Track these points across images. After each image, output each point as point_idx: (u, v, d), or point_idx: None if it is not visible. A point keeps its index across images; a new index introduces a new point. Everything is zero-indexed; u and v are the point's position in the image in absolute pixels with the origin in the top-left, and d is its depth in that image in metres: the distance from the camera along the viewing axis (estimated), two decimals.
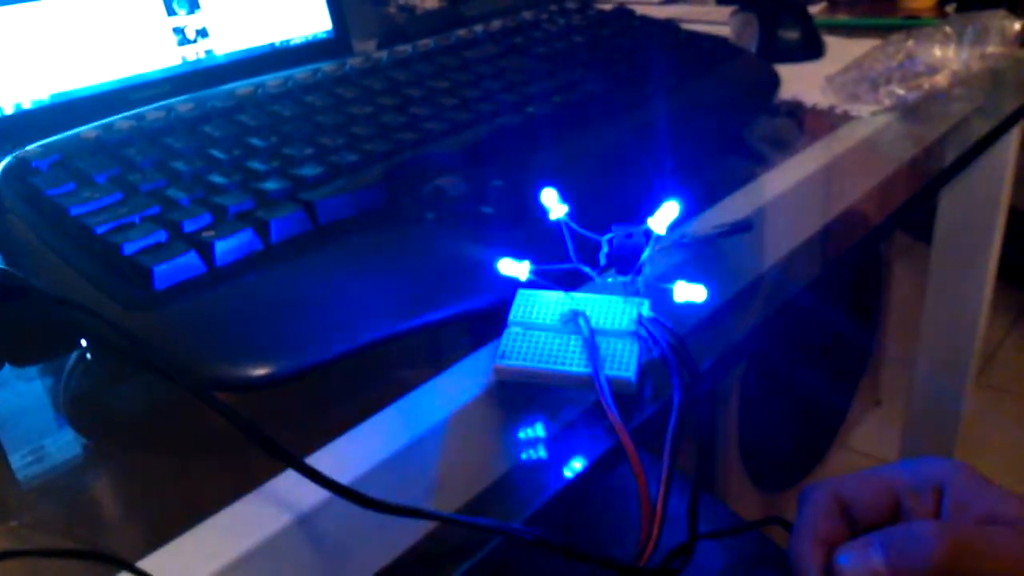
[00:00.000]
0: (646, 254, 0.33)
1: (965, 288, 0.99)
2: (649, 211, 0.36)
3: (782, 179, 0.53)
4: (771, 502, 1.25)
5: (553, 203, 0.35)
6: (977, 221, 0.94)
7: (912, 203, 0.54)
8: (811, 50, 0.77)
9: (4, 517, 0.32)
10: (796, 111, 0.66)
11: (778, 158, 0.57)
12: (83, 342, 0.42)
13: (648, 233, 0.34)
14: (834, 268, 0.49)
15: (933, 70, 0.62)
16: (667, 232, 0.33)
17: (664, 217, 0.33)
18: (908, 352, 1.16)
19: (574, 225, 0.34)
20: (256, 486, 0.31)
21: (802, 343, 1.18)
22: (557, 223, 0.36)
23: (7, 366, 0.42)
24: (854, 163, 0.57)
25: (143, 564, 0.26)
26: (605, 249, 0.34)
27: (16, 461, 0.35)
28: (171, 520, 0.30)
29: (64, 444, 0.36)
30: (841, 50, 0.78)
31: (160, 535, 0.28)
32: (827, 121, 0.63)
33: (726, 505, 0.54)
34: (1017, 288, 1.78)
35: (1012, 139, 0.88)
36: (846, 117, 0.62)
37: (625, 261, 0.34)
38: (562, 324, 0.34)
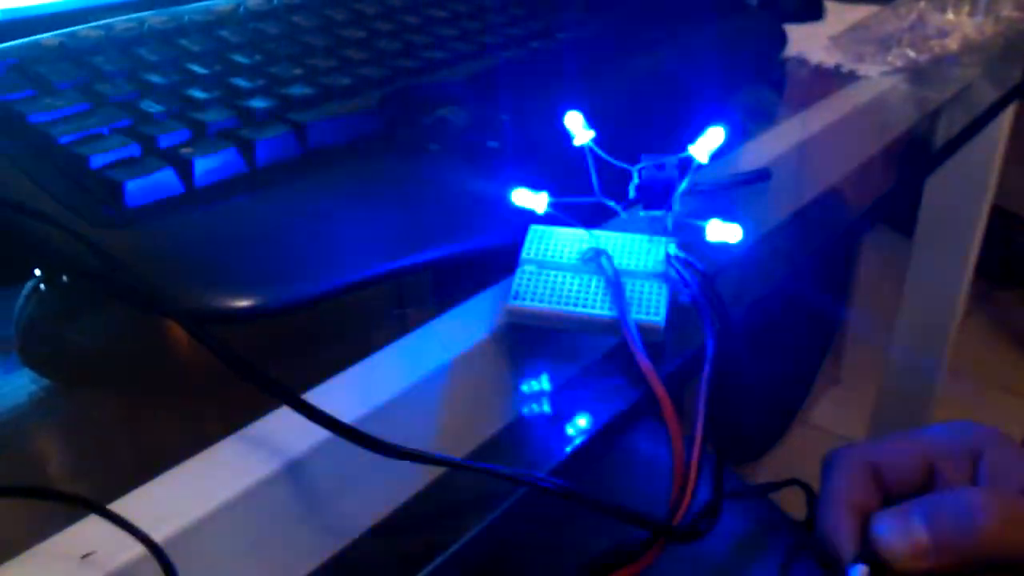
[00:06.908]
0: (683, 185, 0.30)
1: (945, 273, 0.99)
2: (664, 152, 0.33)
3: (795, 132, 0.51)
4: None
5: (578, 128, 0.32)
6: (962, 207, 0.94)
7: (919, 169, 0.52)
8: (811, 11, 0.74)
9: None
10: (798, 70, 0.63)
11: (757, 129, 0.54)
12: (37, 271, 0.38)
13: (682, 164, 0.31)
14: (848, 230, 0.47)
15: (944, 33, 0.60)
16: (708, 160, 0.30)
17: (707, 144, 0.30)
18: (871, 331, 1.16)
19: (600, 152, 0.31)
20: (231, 429, 0.27)
21: (770, 317, 1.17)
22: (574, 153, 0.33)
23: None
24: (861, 124, 0.55)
25: (114, 507, 0.23)
26: (636, 180, 0.31)
27: None
28: (135, 468, 0.26)
29: (15, 385, 0.32)
30: (839, 14, 0.76)
31: (123, 484, 0.25)
32: (821, 85, 0.60)
33: (734, 470, 0.52)
34: (976, 275, 1.80)
35: (1006, 117, 0.87)
36: (852, 77, 0.60)
37: (654, 195, 0.31)
38: (582, 263, 0.31)
